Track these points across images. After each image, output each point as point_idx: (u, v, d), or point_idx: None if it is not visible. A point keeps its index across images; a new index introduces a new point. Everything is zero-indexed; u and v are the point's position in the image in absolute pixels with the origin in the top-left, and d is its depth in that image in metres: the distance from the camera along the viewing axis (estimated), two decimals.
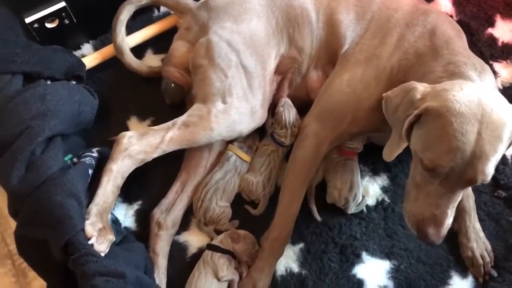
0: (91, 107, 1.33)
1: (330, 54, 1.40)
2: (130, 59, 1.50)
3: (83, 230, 1.09)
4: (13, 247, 1.46)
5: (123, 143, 1.23)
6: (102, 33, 1.63)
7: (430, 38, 1.27)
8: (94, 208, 1.15)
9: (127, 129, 1.52)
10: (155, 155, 1.25)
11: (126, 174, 1.23)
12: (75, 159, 1.27)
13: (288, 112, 1.39)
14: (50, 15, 1.46)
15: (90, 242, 1.08)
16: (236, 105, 1.29)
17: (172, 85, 1.42)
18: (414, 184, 1.11)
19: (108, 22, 1.53)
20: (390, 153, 1.15)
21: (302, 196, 1.36)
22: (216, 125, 1.28)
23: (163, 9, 1.67)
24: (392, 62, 1.28)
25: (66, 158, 1.25)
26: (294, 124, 1.38)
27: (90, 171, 1.20)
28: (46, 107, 1.18)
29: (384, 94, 1.19)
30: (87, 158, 1.22)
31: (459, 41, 1.28)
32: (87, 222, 1.11)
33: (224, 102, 1.29)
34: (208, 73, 1.31)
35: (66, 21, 1.52)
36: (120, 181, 1.22)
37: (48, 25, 1.50)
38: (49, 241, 1.08)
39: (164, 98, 1.47)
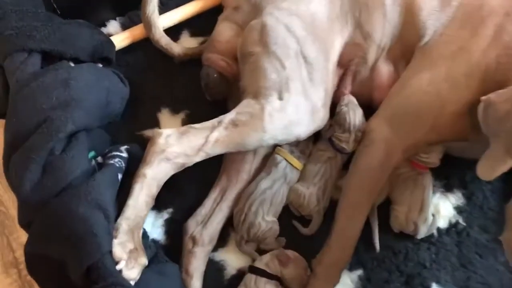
0: (121, 96, 1.12)
1: (405, 46, 1.18)
2: (160, 35, 1.28)
3: (110, 252, 0.88)
4: (20, 253, 1.27)
5: (160, 144, 1.02)
6: (131, 8, 1.40)
7: None
8: (124, 223, 0.94)
9: (157, 122, 1.31)
10: (197, 159, 1.04)
11: (163, 182, 1.03)
12: (99, 158, 1.05)
13: (354, 113, 1.17)
14: None
15: (118, 267, 0.87)
16: (294, 103, 1.08)
17: (215, 75, 1.20)
18: None
19: None
20: (491, 170, 0.93)
21: (365, 215, 1.14)
22: (270, 126, 1.06)
23: None
24: (488, 58, 1.06)
25: (89, 157, 1.03)
26: (359, 127, 1.17)
27: (120, 176, 0.99)
28: (69, 94, 0.96)
29: (482, 98, 0.97)
30: (116, 160, 1.01)
31: None
32: (116, 242, 0.90)
33: (280, 98, 1.08)
34: (261, 62, 1.09)
35: None
36: (155, 190, 1.01)
37: None
38: (68, 263, 0.87)
39: (203, 91, 1.25)
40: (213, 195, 1.21)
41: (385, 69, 1.20)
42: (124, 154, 1.04)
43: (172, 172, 1.04)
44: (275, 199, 1.18)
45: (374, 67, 1.20)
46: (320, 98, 1.12)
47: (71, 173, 0.91)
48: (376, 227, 1.19)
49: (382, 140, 1.12)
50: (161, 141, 1.03)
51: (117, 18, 1.41)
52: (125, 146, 1.08)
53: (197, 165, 1.08)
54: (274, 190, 1.19)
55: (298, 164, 1.21)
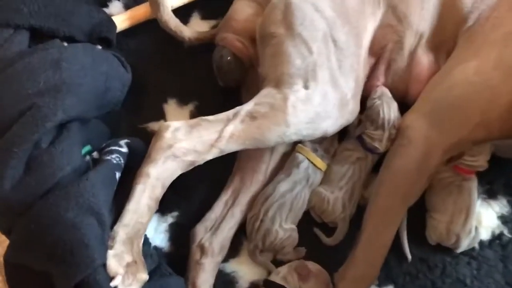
0: (122, 83, 0.97)
1: (447, 32, 1.04)
2: (168, 15, 1.13)
3: (104, 265, 0.74)
4: None
5: (167, 138, 0.88)
6: None
7: None
8: (121, 231, 0.81)
9: (163, 114, 1.17)
10: (209, 156, 0.90)
11: (168, 182, 0.89)
12: (95, 154, 0.91)
13: (388, 107, 1.02)
14: None
15: (113, 283, 0.73)
16: (321, 93, 0.94)
17: (229, 58, 1.06)
18: None
19: None
20: None
21: (397, 224, 1.01)
22: (294, 119, 0.92)
23: None
24: None
25: (83, 152, 0.89)
26: (394, 124, 1.02)
27: (118, 175, 0.85)
28: (60, 78, 0.82)
29: None
30: (114, 156, 0.86)
31: None
32: (111, 253, 0.77)
33: (305, 87, 0.94)
34: (285, 45, 0.95)
35: None
36: (159, 192, 0.88)
37: None
38: (54, 277, 0.73)
39: (215, 77, 1.11)
40: (225, 197, 1.07)
41: (424, 59, 1.06)
42: (124, 149, 0.90)
43: (179, 172, 0.90)
44: (295, 203, 1.04)
45: (411, 56, 1.06)
46: (350, 88, 0.97)
47: (60, 171, 0.77)
48: (405, 235, 1.05)
49: (420, 139, 0.98)
50: (168, 135, 0.89)
51: None
52: (126, 140, 0.94)
53: (207, 162, 0.95)
54: (295, 193, 1.04)
55: (322, 164, 1.07)
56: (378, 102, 1.03)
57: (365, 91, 1.07)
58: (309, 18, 0.96)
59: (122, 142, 0.92)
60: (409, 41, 1.04)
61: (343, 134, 1.10)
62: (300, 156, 1.07)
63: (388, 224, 1.00)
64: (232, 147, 0.91)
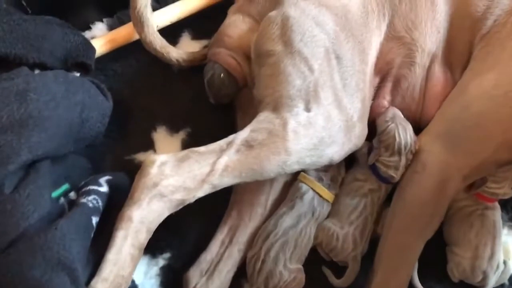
0: (102, 113, 0.87)
1: (461, 43, 0.94)
2: (153, 36, 1.04)
3: None
4: None
5: (152, 174, 0.77)
6: (121, 7, 1.15)
7: None
8: (99, 287, 0.69)
9: (152, 143, 1.06)
10: (201, 193, 0.80)
11: (155, 226, 0.78)
12: (72, 194, 0.81)
13: (404, 130, 0.92)
14: None
15: None
16: (324, 116, 0.84)
17: (222, 75, 0.96)
18: None
19: None
20: None
21: (414, 263, 0.90)
22: (296, 146, 0.81)
23: None
24: None
25: (57, 193, 0.79)
26: (411, 148, 0.91)
27: (95, 220, 0.74)
28: (26, 112, 0.71)
29: None
30: (91, 198, 0.76)
31: None
32: None
33: (307, 109, 0.83)
34: (283, 64, 0.85)
35: None
36: (144, 238, 0.77)
37: None
38: None
39: (207, 98, 1.01)
40: (221, 236, 0.96)
41: (441, 76, 0.96)
42: (104, 189, 0.79)
43: (167, 213, 0.79)
44: (300, 240, 0.93)
45: (425, 72, 0.96)
46: (356, 109, 0.87)
47: (25, 219, 0.66)
48: (416, 271, 0.93)
49: (436, 164, 0.88)
50: (153, 171, 0.79)
51: (104, 20, 1.17)
52: (107, 177, 0.83)
53: (201, 199, 0.84)
54: (299, 229, 0.93)
55: (328, 195, 0.96)
56: (392, 125, 0.92)
57: (370, 113, 0.96)
58: (309, 34, 0.85)
59: (103, 180, 0.82)
60: (421, 55, 0.94)
61: (350, 160, 0.99)
62: (304, 186, 0.96)
63: (404, 263, 0.89)
64: (226, 181, 0.80)
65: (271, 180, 0.98)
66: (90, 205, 0.74)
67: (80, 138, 0.83)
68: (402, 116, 0.95)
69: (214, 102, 1.02)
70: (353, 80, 0.87)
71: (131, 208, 0.76)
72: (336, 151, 0.86)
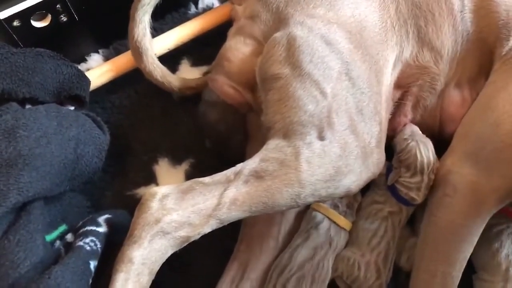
0: (98, 148, 0.81)
1: (481, 60, 0.89)
2: (153, 65, 0.99)
3: None
4: None
5: (152, 209, 0.71)
6: (117, 38, 1.12)
7: None
8: None
9: (154, 177, 1.01)
10: (207, 229, 0.73)
11: (158, 266, 0.71)
12: (69, 237, 0.74)
13: (425, 148, 0.86)
14: (38, 8, 0.96)
15: None
16: (340, 143, 0.77)
17: (216, 116, 0.92)
18: None
19: (126, 21, 1.03)
20: None
21: None
22: (310, 178, 0.74)
23: (202, 3, 1.17)
24: None
25: (52, 236, 0.73)
26: (433, 167, 0.85)
27: (93, 264, 0.68)
28: (15, 150, 0.66)
29: None
30: (88, 240, 0.70)
31: None
32: None
33: (320, 137, 0.76)
34: (292, 88, 0.78)
35: (64, 18, 1.02)
36: (147, 281, 0.70)
37: (36, 24, 1.00)
38: None
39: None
40: (231, 272, 0.89)
41: (458, 96, 0.91)
42: (102, 229, 0.73)
43: (170, 251, 0.72)
44: (317, 274, 0.86)
45: (442, 93, 0.90)
46: (373, 134, 0.80)
47: (15, 269, 0.60)
48: None
49: (468, 186, 0.81)
50: (154, 205, 0.72)
51: (100, 51, 1.14)
52: (106, 216, 0.77)
53: (208, 233, 0.77)
54: (316, 261, 0.86)
55: (346, 223, 0.89)
56: (412, 142, 0.87)
57: (388, 131, 0.90)
58: (319, 54, 0.79)
59: (101, 219, 0.76)
60: (442, 79, 0.89)
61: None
62: (319, 215, 0.90)
63: None
64: (235, 216, 0.74)
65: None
66: (88, 248, 0.68)
67: (76, 175, 0.78)
68: (421, 132, 0.89)
69: (210, 145, 0.96)
70: (370, 103, 0.81)
71: (131, 248, 0.69)
72: (353, 181, 0.78)
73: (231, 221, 0.75)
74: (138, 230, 0.71)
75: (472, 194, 0.80)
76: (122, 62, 1.03)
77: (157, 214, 0.71)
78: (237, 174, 0.75)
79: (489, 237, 0.87)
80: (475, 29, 0.88)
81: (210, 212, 0.72)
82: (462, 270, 0.81)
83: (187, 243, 0.73)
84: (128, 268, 0.69)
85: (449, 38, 0.87)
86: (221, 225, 0.74)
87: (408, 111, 0.91)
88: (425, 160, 0.85)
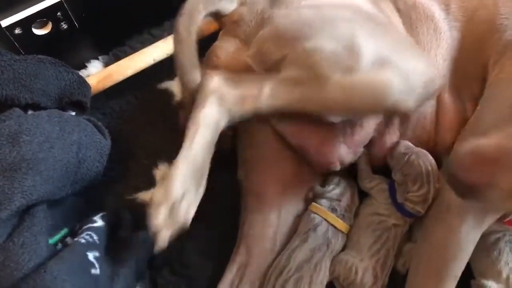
0: (99, 152, 0.83)
1: (472, 66, 0.90)
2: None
3: None
4: None
5: (212, 83, 0.77)
6: (116, 44, 1.15)
7: None
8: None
9: (154, 181, 1.02)
10: (251, 111, 0.77)
11: (222, 125, 0.76)
12: (68, 239, 0.76)
13: (425, 158, 0.87)
14: (39, 16, 0.98)
15: None
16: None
17: None
18: None
19: (128, 27, 1.09)
20: None
21: None
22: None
23: None
24: None
25: (54, 239, 0.74)
26: (438, 176, 0.86)
27: (92, 255, 0.69)
28: (18, 154, 0.68)
29: None
30: (83, 235, 0.71)
31: None
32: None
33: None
34: (309, 51, 0.78)
35: (64, 26, 1.04)
36: (214, 133, 0.75)
37: (37, 32, 1.02)
38: None
39: None
40: (230, 275, 0.90)
41: (448, 102, 0.91)
42: (98, 224, 0.75)
43: (228, 119, 0.77)
44: (315, 276, 0.87)
45: (438, 100, 0.91)
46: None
47: (20, 270, 0.61)
48: None
49: (461, 203, 0.80)
50: (212, 84, 0.77)
51: (100, 57, 1.16)
52: (100, 214, 0.79)
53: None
54: (314, 263, 0.87)
55: (343, 226, 0.91)
56: (412, 155, 0.87)
57: (378, 152, 0.92)
58: (310, 18, 0.81)
59: (96, 217, 0.78)
60: None
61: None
62: (317, 217, 0.90)
63: None
64: (274, 104, 0.77)
65: (279, 210, 0.92)
66: (83, 241, 0.70)
67: (77, 179, 0.79)
68: (412, 145, 0.90)
69: None
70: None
71: (197, 110, 0.75)
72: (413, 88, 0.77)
73: (271, 112, 0.78)
74: (201, 99, 0.76)
75: (465, 212, 0.80)
76: (122, 68, 1.05)
77: (216, 87, 0.77)
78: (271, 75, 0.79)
79: (487, 245, 0.87)
80: (463, 36, 0.90)
81: (255, 97, 0.77)
82: (457, 280, 0.81)
83: (238, 119, 0.78)
84: (195, 123, 0.74)
85: (428, 40, 0.89)
86: (260, 113, 0.77)
87: (394, 129, 0.91)
88: (430, 169, 0.86)
